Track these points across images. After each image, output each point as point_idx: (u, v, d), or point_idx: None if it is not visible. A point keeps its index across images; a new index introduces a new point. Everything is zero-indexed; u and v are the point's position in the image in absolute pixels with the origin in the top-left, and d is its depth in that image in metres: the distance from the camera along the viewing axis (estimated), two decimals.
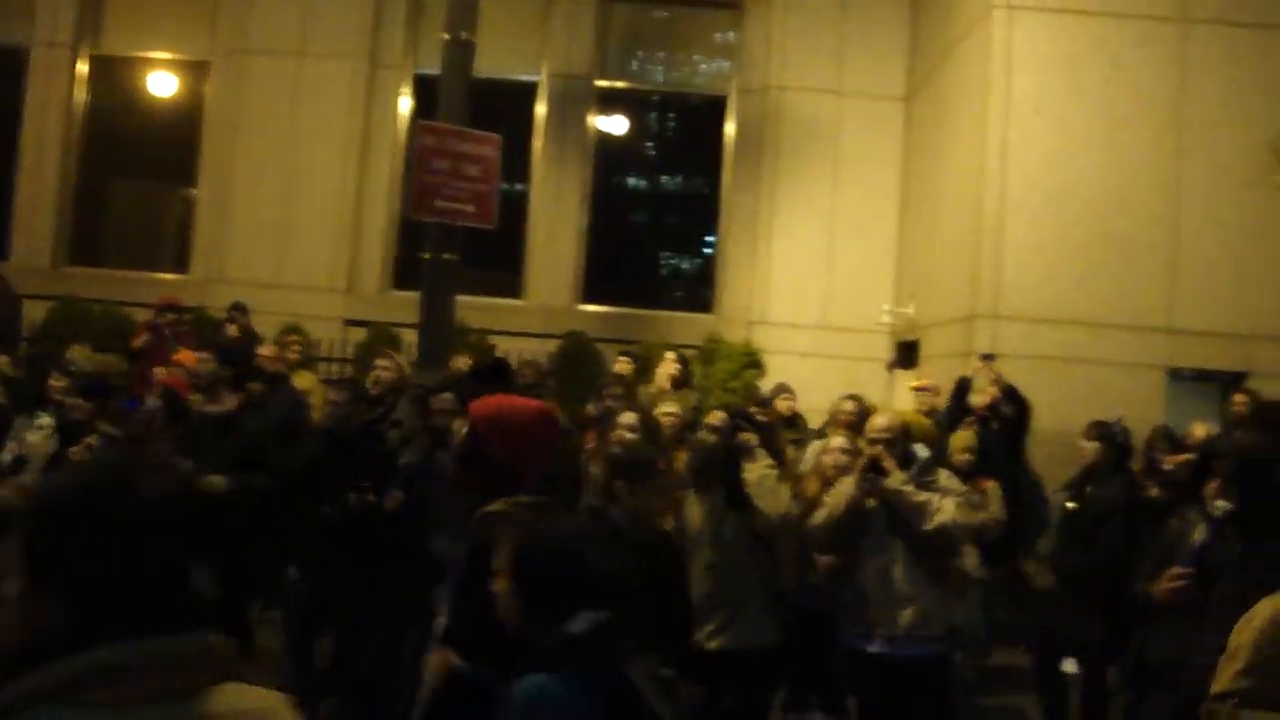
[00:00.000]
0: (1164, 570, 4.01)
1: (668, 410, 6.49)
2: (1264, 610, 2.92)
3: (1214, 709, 2.91)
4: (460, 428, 3.18)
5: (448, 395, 6.48)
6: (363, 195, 13.36)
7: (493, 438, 3.14)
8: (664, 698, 2.52)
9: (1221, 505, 4.03)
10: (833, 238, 13.26)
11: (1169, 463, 6.51)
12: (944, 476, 4.87)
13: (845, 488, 4.89)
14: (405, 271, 12.96)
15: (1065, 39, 10.48)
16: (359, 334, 12.45)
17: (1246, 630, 2.93)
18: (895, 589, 4.69)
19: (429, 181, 7.92)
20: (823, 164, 13.33)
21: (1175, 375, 10.43)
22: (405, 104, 13.58)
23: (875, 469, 4.75)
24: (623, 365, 9.03)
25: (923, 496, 4.66)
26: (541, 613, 2.54)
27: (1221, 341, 10.37)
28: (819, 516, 4.99)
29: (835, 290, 13.15)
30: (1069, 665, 6.51)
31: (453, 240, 8.33)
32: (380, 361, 7.25)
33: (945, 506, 4.64)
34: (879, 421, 5.07)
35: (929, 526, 4.59)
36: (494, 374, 6.99)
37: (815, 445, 7.00)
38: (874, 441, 4.93)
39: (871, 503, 4.80)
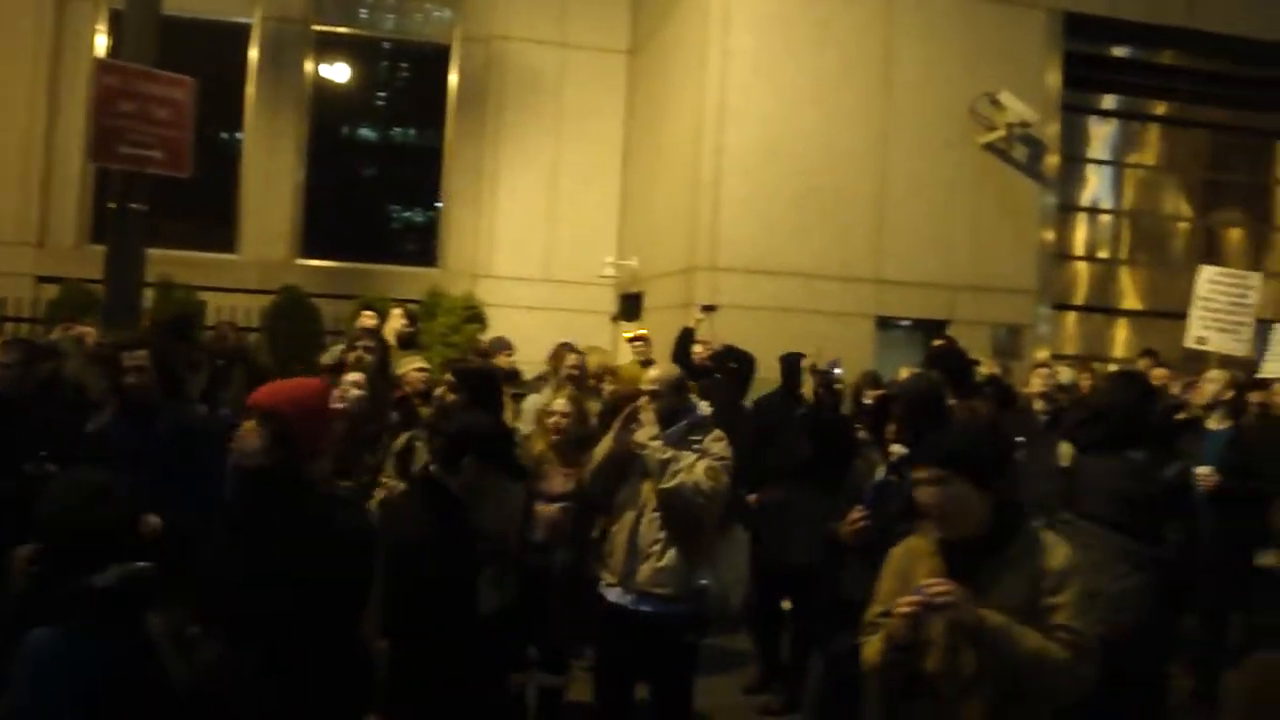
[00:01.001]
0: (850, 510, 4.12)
1: (419, 366, 6.25)
2: (898, 549, 3.15)
3: (863, 638, 3.12)
4: (251, 424, 3.04)
5: (141, 352, 6.01)
6: (54, 140, 12.36)
7: (299, 423, 3.06)
8: (183, 656, 2.52)
9: (896, 450, 4.16)
10: (556, 191, 13.25)
11: (868, 398, 6.77)
12: (711, 439, 4.78)
13: (609, 438, 4.86)
14: (104, 224, 11.99)
15: None
16: (52, 291, 11.52)
17: (885, 565, 3.17)
18: (639, 543, 4.65)
19: (111, 125, 7.31)
20: (546, 117, 13.27)
21: (884, 323, 10.98)
22: (101, 42, 12.57)
23: (635, 420, 4.72)
24: (367, 319, 8.60)
25: (667, 454, 4.58)
26: (58, 565, 2.48)
27: (926, 291, 10.99)
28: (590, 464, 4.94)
29: (559, 243, 13.17)
30: (787, 603, 6.70)
31: (140, 189, 7.74)
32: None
33: (695, 469, 4.58)
34: (651, 373, 5.03)
35: (665, 485, 4.56)
36: (185, 326, 6.56)
37: (534, 400, 6.94)
38: (643, 393, 4.88)
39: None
